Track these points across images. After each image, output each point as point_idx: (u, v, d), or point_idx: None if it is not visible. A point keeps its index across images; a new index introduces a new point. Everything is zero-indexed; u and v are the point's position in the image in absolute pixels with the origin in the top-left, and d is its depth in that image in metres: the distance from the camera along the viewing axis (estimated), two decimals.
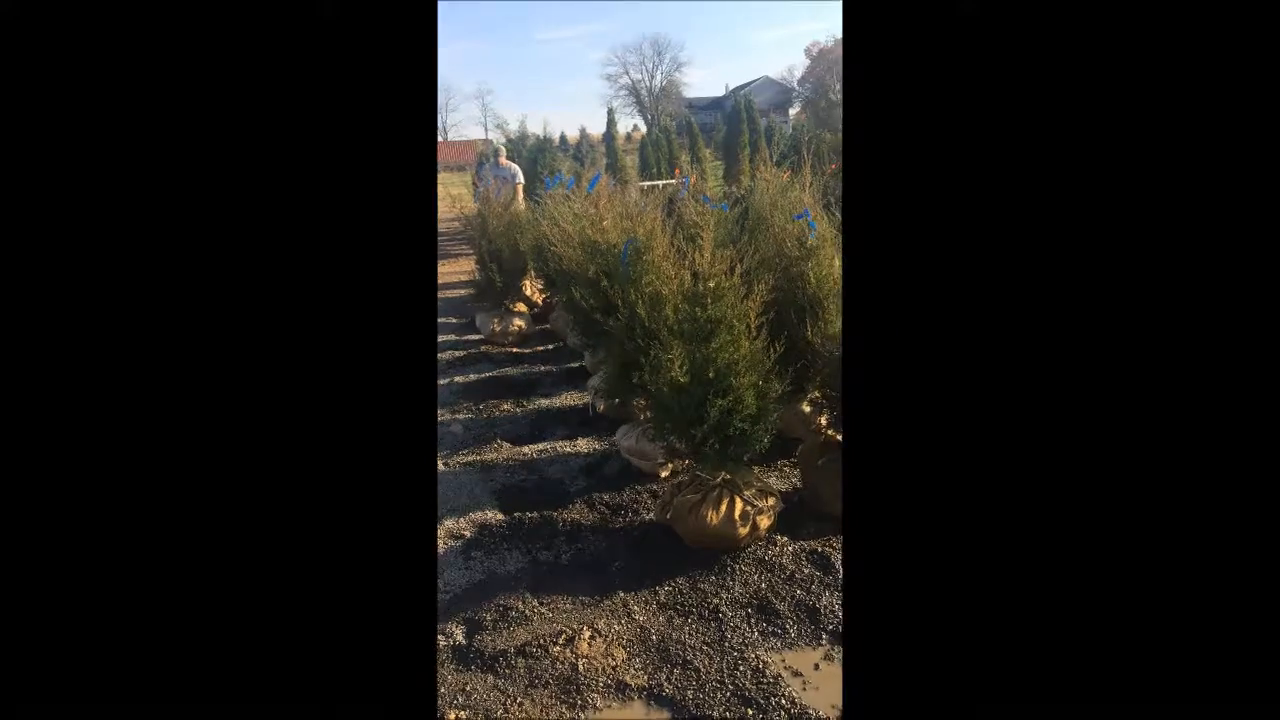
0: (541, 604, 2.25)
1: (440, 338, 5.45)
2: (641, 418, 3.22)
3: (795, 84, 34.20)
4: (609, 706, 1.78)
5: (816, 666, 1.89)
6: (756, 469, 2.91)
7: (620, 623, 2.14)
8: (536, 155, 11.59)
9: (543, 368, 4.99)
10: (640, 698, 1.82)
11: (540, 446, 3.48)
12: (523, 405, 4.18)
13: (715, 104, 34.65)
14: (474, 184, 7.77)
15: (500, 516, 2.76)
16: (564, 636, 2.04)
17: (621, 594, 2.27)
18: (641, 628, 2.11)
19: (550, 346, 5.60)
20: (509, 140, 14.08)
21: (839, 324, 2.50)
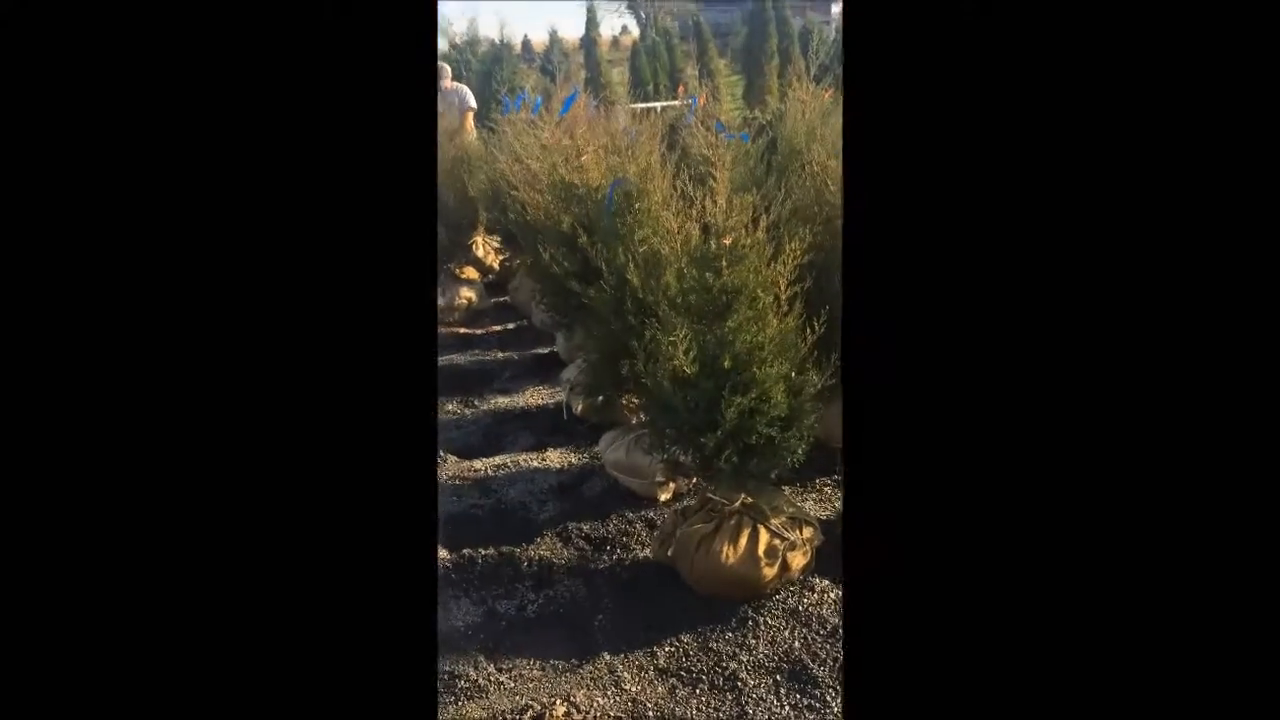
0: (501, 670, 2.26)
1: None
2: (633, 421, 3.24)
3: None
4: None
5: None
6: (788, 490, 2.94)
7: (605, 695, 2.15)
8: (491, 68, 11.54)
9: (500, 354, 5.00)
10: None
11: (497, 460, 3.50)
12: (473, 405, 4.20)
13: None
14: None
15: (445, 554, 2.77)
16: (530, 714, 2.05)
17: (607, 656, 2.29)
18: (634, 701, 2.13)
19: (509, 326, 5.61)
20: (455, 47, 13.96)
21: None
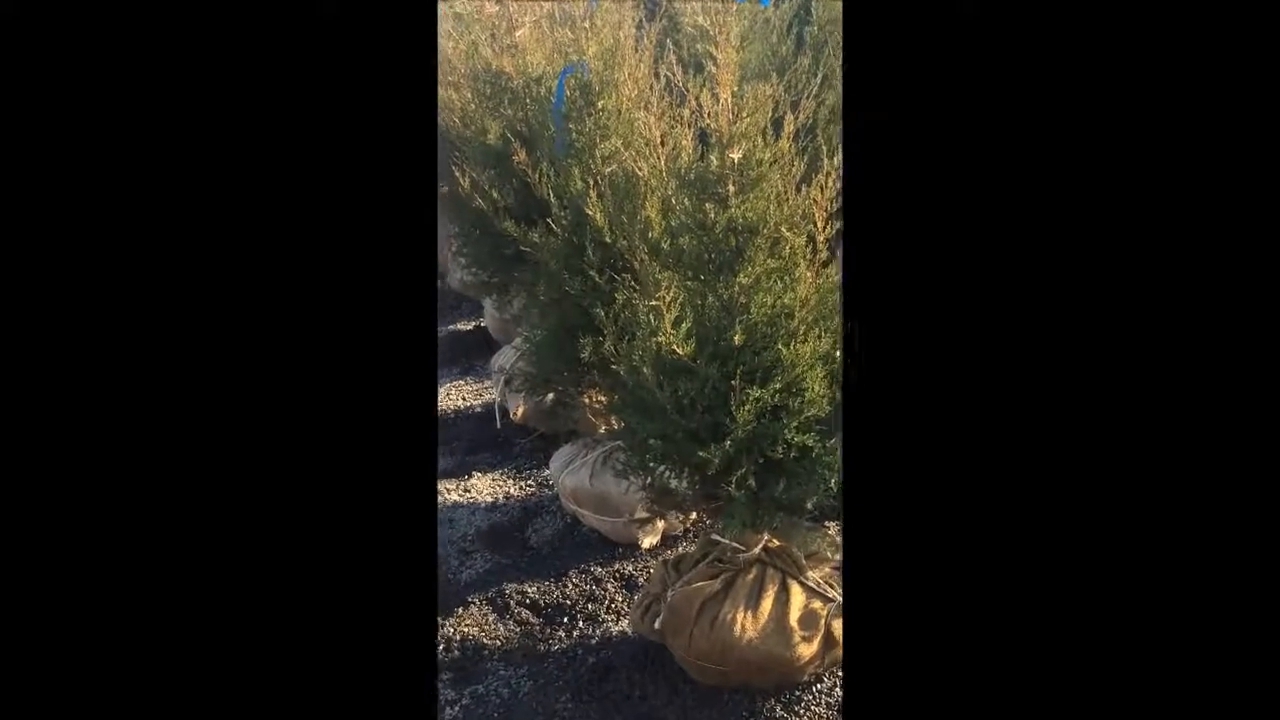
0: None
1: None
2: (600, 430, 3.25)
3: None
4: None
5: None
6: (833, 526, 2.94)
7: None
8: None
9: None
10: None
11: None
12: None
13: None
14: None
15: None
16: None
17: None
18: None
19: None
20: None
21: None
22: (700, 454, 2.31)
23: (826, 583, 2.51)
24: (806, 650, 2.44)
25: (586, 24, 3.02)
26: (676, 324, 2.28)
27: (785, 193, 2.33)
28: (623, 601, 2.86)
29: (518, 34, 3.27)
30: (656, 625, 2.53)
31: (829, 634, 2.47)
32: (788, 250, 2.33)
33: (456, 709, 2.54)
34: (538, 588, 2.94)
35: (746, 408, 2.24)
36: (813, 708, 2.43)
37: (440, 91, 3.62)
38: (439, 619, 2.82)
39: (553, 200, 2.90)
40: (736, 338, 2.28)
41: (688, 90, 2.34)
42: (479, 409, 4.12)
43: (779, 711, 2.42)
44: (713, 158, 2.32)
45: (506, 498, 3.45)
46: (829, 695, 2.46)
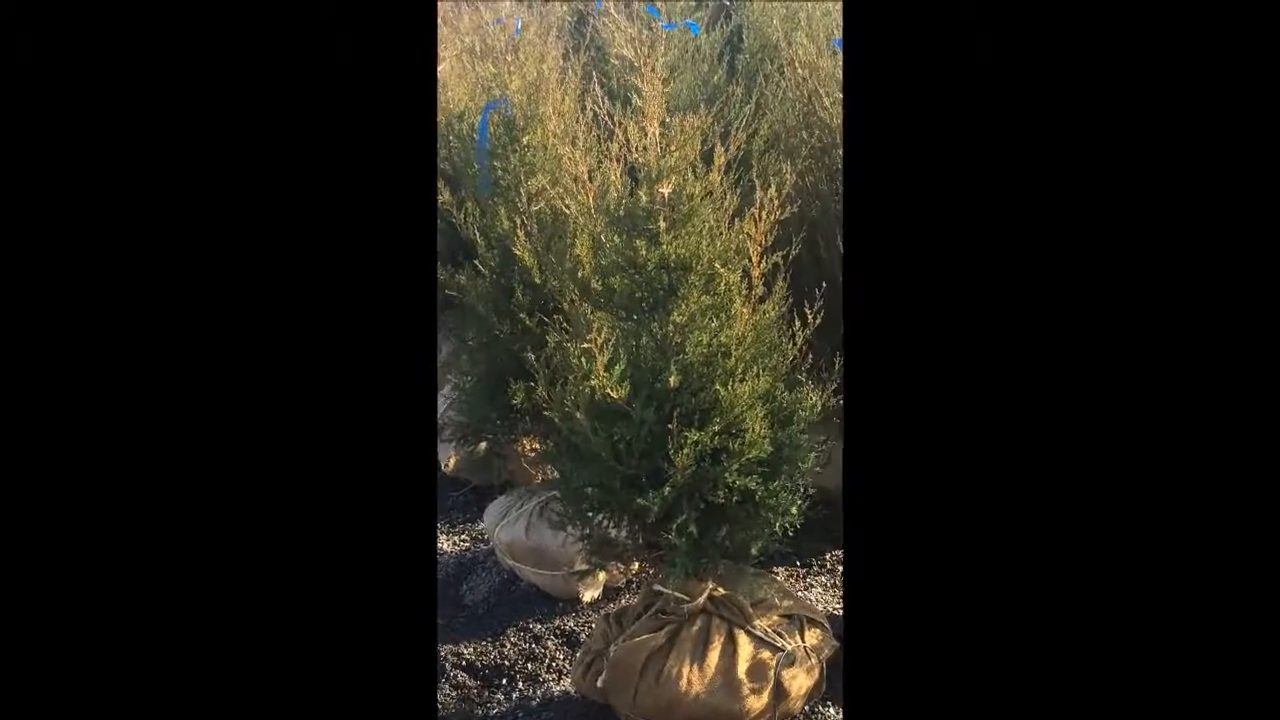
0: None
1: None
2: (538, 479, 3.23)
3: None
4: None
5: None
6: (780, 572, 2.93)
7: None
8: None
9: None
10: None
11: None
12: None
13: None
14: None
15: None
16: None
17: None
18: None
19: None
20: None
21: None
22: (639, 501, 2.28)
23: (775, 631, 2.47)
24: (756, 703, 2.39)
25: (509, 57, 3.02)
26: (610, 366, 2.24)
27: (718, 227, 2.33)
28: (564, 659, 2.84)
29: (439, 69, 3.26)
30: (599, 683, 2.50)
31: (779, 685, 2.42)
32: (722, 287, 2.32)
33: None
34: (474, 648, 2.90)
35: (685, 451, 2.21)
36: None
37: None
38: None
39: (479, 240, 2.89)
40: (672, 379, 2.26)
41: (615, 123, 2.34)
42: None
43: None
44: (642, 193, 2.31)
45: (440, 554, 3.43)
46: None
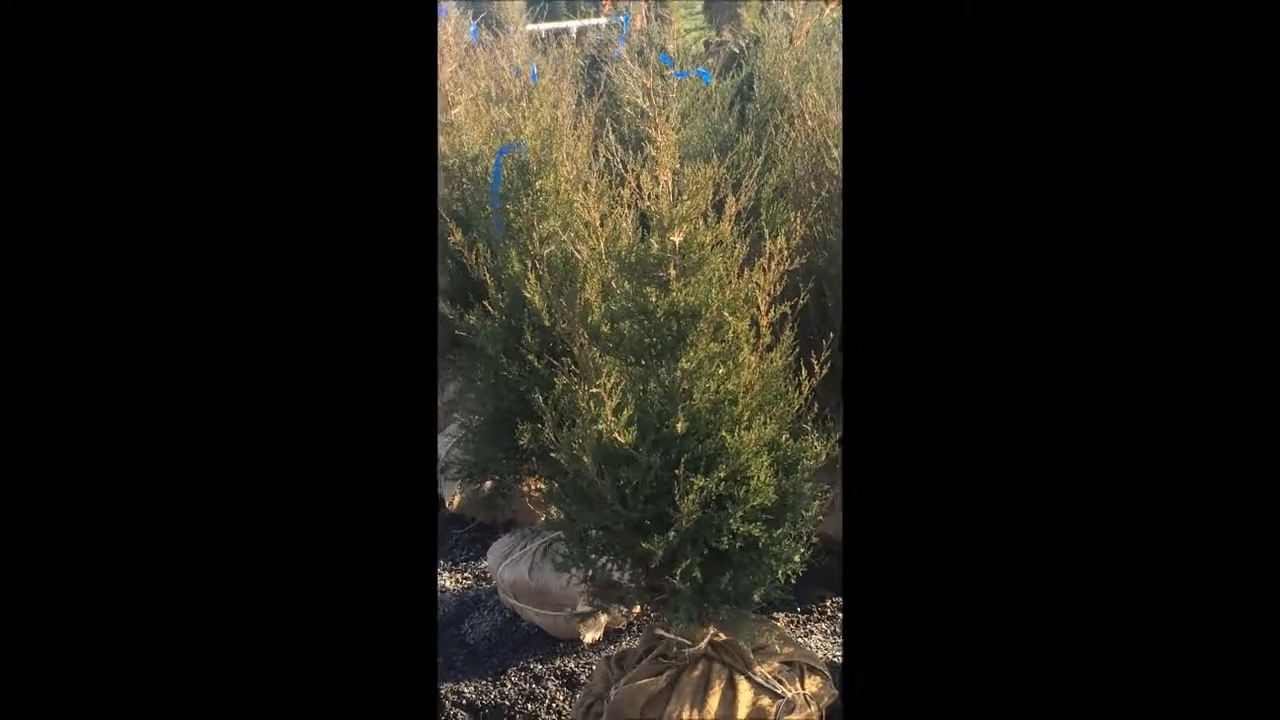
0: None
1: None
2: (541, 520, 3.18)
3: None
4: None
5: None
6: (781, 619, 2.92)
7: None
8: None
9: None
10: None
11: None
12: None
13: None
14: None
15: None
16: None
17: None
18: None
19: None
20: None
21: None
22: (643, 545, 2.26)
23: (775, 678, 2.44)
24: None
25: (524, 102, 3.03)
26: (617, 410, 2.22)
27: (727, 276, 2.32)
28: (564, 700, 2.82)
29: (453, 112, 3.27)
30: None
31: None
32: (730, 335, 2.31)
33: None
34: (475, 687, 2.89)
35: (690, 497, 2.19)
36: None
37: None
38: None
39: (489, 282, 2.88)
40: (679, 425, 2.25)
41: (627, 170, 2.33)
42: None
43: None
44: (653, 240, 2.31)
45: (442, 591, 3.42)
46: None
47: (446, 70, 3.34)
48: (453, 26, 3.53)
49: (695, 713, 2.36)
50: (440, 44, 3.48)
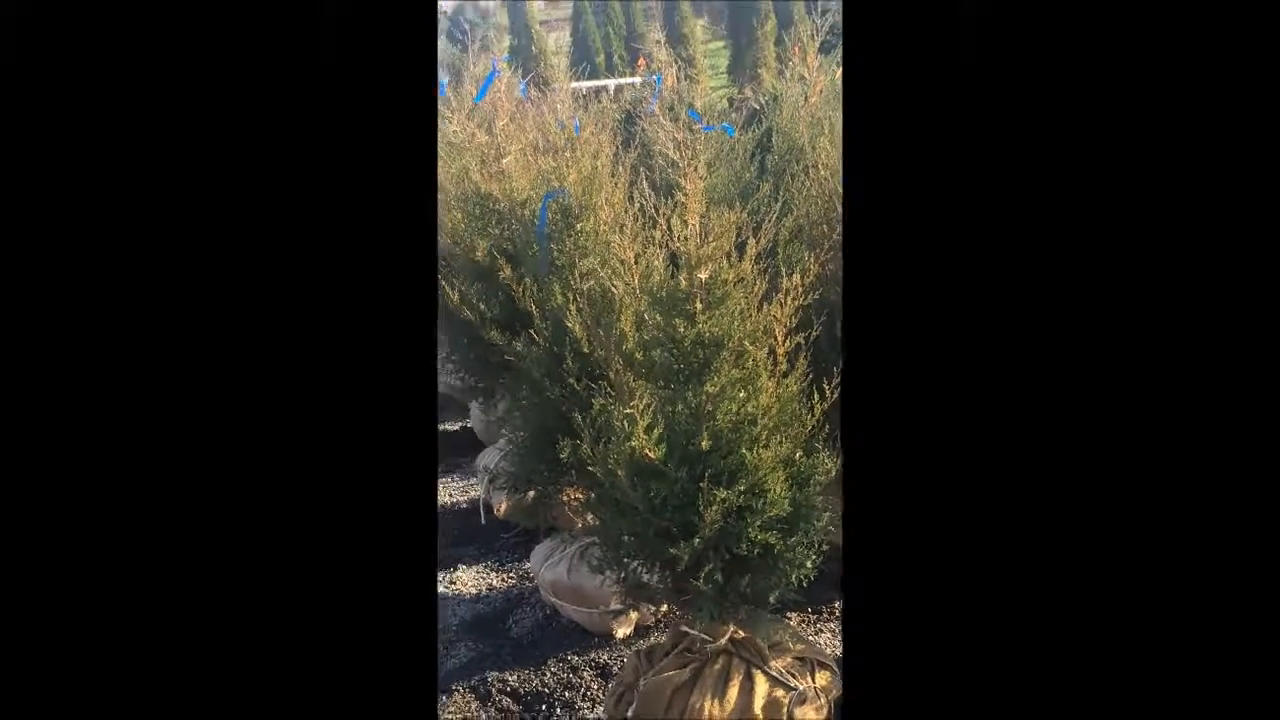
0: None
1: None
2: (578, 526, 3.26)
3: None
4: None
5: None
6: (794, 618, 2.95)
7: None
8: None
9: None
10: None
11: None
12: None
13: None
14: None
15: None
16: None
17: None
18: None
19: None
20: None
21: None
22: (670, 550, 2.32)
23: (789, 672, 2.50)
24: None
25: (568, 153, 3.07)
26: (649, 429, 2.30)
27: (748, 310, 2.37)
28: (598, 689, 2.84)
29: (504, 161, 3.32)
30: (630, 714, 2.52)
31: None
32: (750, 362, 2.36)
33: None
34: (518, 676, 2.91)
35: (713, 508, 2.25)
36: None
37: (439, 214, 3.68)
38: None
39: (535, 313, 2.93)
40: (704, 443, 2.29)
41: (659, 214, 2.39)
42: (464, 505, 4.12)
43: None
44: (682, 277, 2.36)
45: (490, 589, 3.45)
46: None
47: (499, 123, 3.37)
48: (504, 84, 3.47)
49: (716, 703, 2.40)
50: (492, 100, 3.50)
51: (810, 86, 3.78)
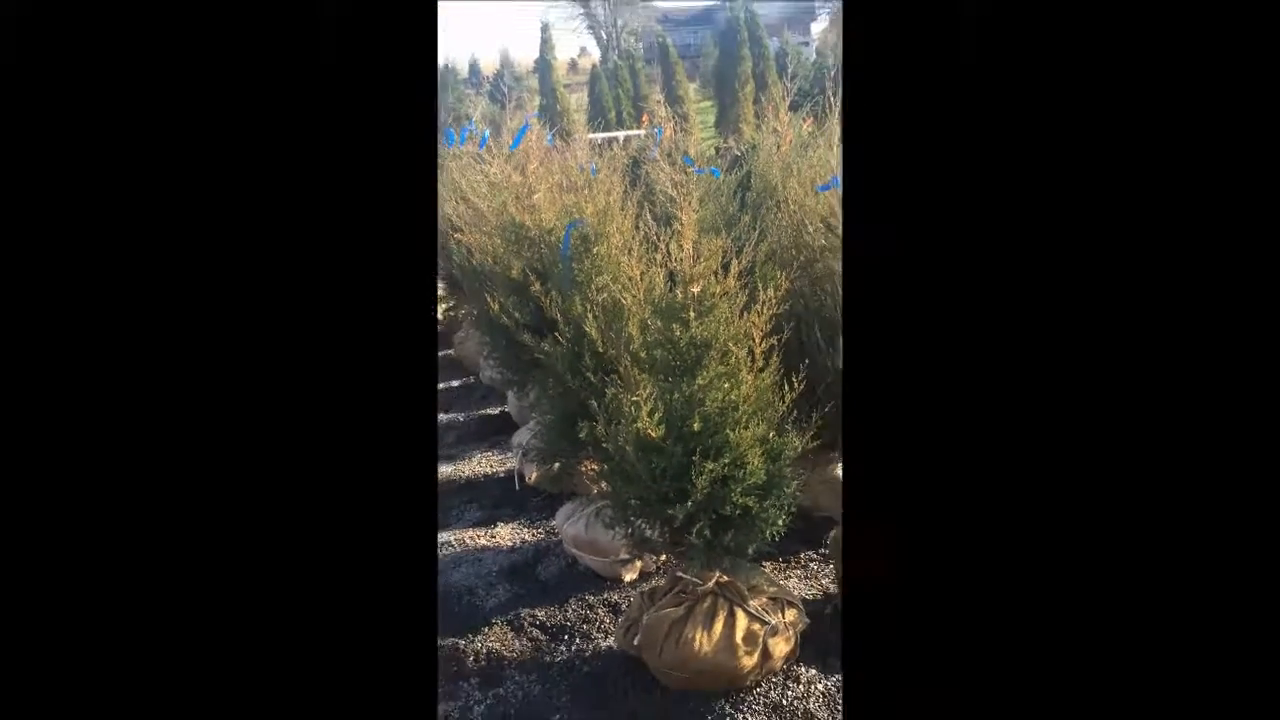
0: None
1: None
2: (594, 491, 3.26)
3: None
4: None
5: None
6: (768, 566, 2.93)
7: None
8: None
9: (443, 416, 4.99)
10: None
11: (440, 538, 3.49)
12: None
13: (703, 17, 35.46)
14: None
15: None
16: None
17: None
18: None
19: (454, 383, 5.61)
20: None
21: None
22: (668, 511, 2.34)
23: (764, 610, 2.50)
24: (748, 662, 2.43)
25: (586, 191, 3.08)
26: (651, 413, 2.31)
27: (731, 317, 2.39)
28: (610, 623, 2.84)
29: (535, 197, 3.33)
30: (635, 642, 2.54)
31: (765, 649, 2.45)
32: (733, 360, 2.37)
33: (482, 707, 2.51)
34: (545, 612, 2.91)
35: (703, 477, 2.27)
36: (753, 706, 2.41)
37: (476, 237, 3.68)
38: (469, 637, 2.79)
39: (559, 319, 2.94)
40: (695, 424, 2.31)
41: (660, 240, 2.42)
42: (502, 475, 4.11)
43: (727, 709, 2.40)
44: (678, 291, 2.38)
45: (522, 542, 3.43)
46: (765, 697, 2.44)
47: (530, 167, 3.36)
48: (535, 135, 3.49)
49: (705, 634, 2.42)
50: (525, 148, 3.49)
51: (781, 138, 3.77)
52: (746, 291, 2.44)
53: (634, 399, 2.32)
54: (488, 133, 4.44)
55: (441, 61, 14.35)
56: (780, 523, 2.40)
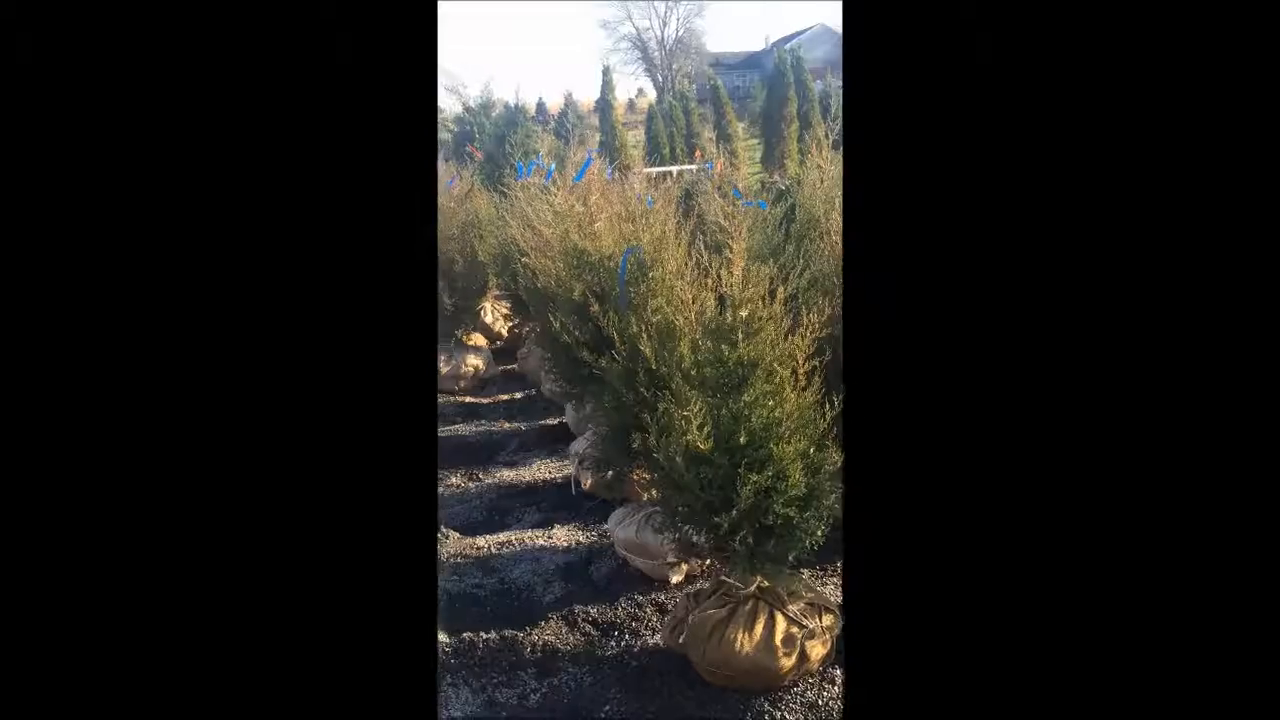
0: None
1: None
2: (645, 498, 3.26)
3: None
4: None
5: None
6: (806, 573, 2.91)
7: None
8: (505, 131, 11.88)
9: (507, 425, 5.03)
10: None
11: (501, 538, 3.50)
12: (477, 478, 4.21)
13: (752, 61, 35.57)
14: None
15: (443, 638, 2.76)
16: None
17: None
18: None
19: (517, 395, 5.66)
20: (469, 110, 14.43)
21: None
22: (714, 519, 2.34)
23: (802, 614, 2.48)
24: (787, 663, 2.41)
25: (643, 220, 3.09)
26: (700, 427, 2.31)
27: (777, 339, 2.39)
28: (658, 622, 2.83)
29: (596, 225, 3.35)
30: (681, 640, 2.53)
31: (803, 652, 2.43)
32: (778, 379, 2.37)
33: (538, 695, 2.51)
34: (598, 609, 2.91)
35: (747, 488, 2.26)
36: (790, 705, 2.38)
37: (541, 261, 3.72)
38: (527, 630, 2.79)
39: (616, 338, 2.96)
40: (741, 438, 2.31)
41: (710, 267, 2.44)
42: (560, 481, 4.12)
43: (766, 706, 2.38)
44: (727, 314, 2.38)
45: (577, 544, 3.43)
46: (802, 696, 2.41)
47: (592, 198, 3.39)
48: (596, 169, 3.53)
49: (746, 635, 2.41)
50: (587, 181, 3.52)
51: (824, 173, 3.76)
52: (791, 316, 2.44)
53: (684, 413, 2.33)
54: (553, 166, 4.48)
55: (511, 101, 14.57)
56: (819, 533, 2.38)
